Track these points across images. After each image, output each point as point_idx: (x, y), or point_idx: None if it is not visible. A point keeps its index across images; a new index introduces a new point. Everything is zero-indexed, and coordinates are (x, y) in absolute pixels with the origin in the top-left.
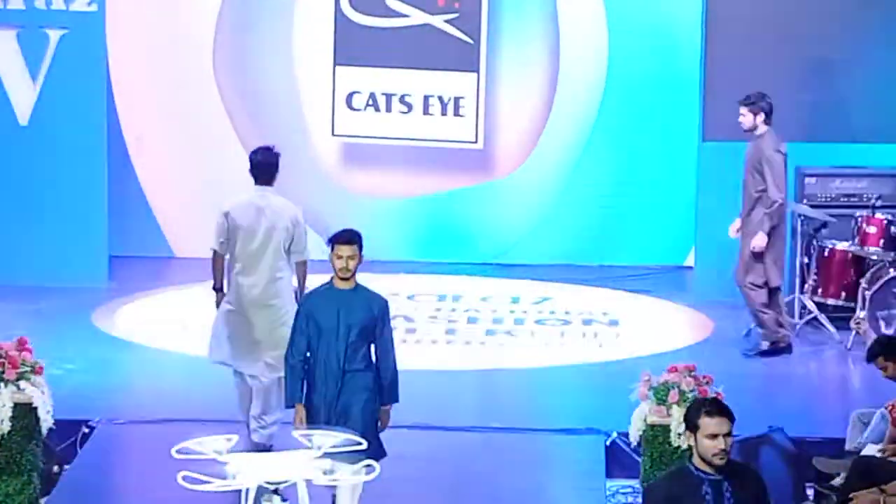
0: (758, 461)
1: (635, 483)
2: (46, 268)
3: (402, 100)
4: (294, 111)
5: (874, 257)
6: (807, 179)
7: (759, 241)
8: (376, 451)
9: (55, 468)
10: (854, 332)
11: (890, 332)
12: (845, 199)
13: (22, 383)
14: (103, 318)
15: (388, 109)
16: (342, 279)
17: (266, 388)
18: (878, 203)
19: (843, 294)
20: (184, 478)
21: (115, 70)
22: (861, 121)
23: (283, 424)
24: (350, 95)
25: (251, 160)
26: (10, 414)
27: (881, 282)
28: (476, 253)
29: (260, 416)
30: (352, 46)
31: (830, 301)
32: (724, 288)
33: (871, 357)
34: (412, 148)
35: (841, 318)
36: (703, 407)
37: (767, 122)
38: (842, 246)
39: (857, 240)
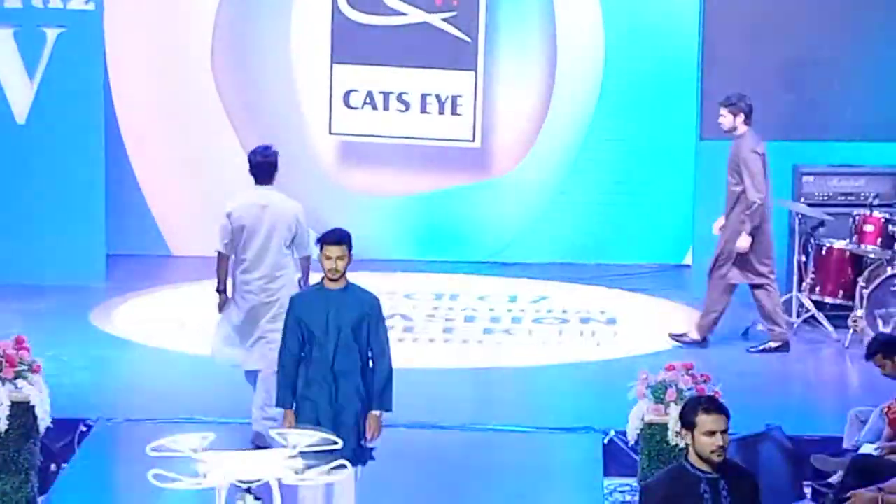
0: (756, 459)
1: (633, 481)
2: (44, 266)
3: (399, 98)
4: (292, 109)
5: (872, 255)
6: (804, 178)
7: (743, 242)
8: (365, 456)
9: (52, 467)
10: (852, 331)
11: (888, 330)
12: (843, 198)
13: (19, 382)
14: (101, 316)
15: (386, 108)
16: (332, 280)
17: (270, 380)
18: (876, 201)
19: (841, 292)
20: (154, 476)
21: (112, 69)
22: (858, 119)
23: None
24: (347, 94)
25: (250, 161)
26: (7, 413)
27: (879, 280)
28: (474, 251)
29: (262, 407)
30: (349, 45)
31: (828, 299)
32: None
33: (870, 355)
34: (409, 146)
35: (839, 317)
36: (699, 404)
37: (747, 122)
38: (839, 244)
39: (854, 238)
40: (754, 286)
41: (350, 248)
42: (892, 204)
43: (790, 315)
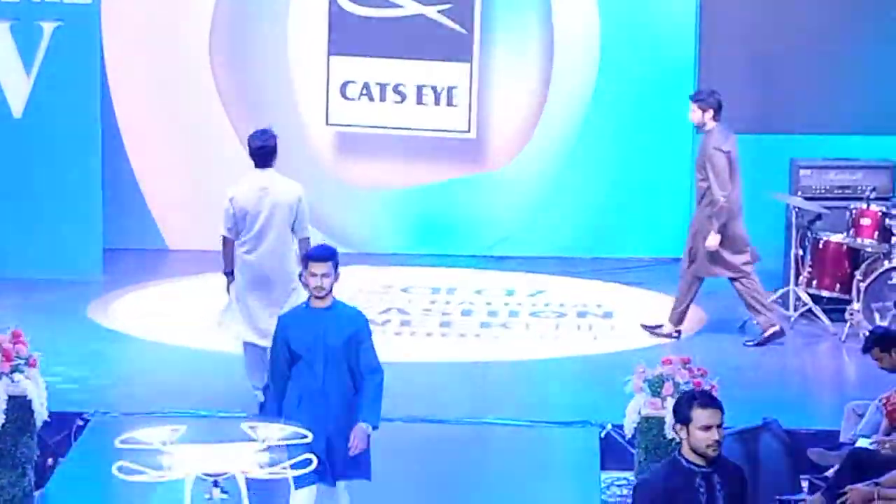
0: (753, 453)
1: (630, 475)
2: (41, 260)
3: (395, 89)
4: (288, 101)
5: (869, 249)
6: (801, 172)
7: (712, 241)
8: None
9: (49, 461)
10: (849, 324)
11: (885, 323)
12: (840, 191)
13: (16, 376)
14: (98, 310)
15: (382, 99)
16: (317, 298)
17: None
18: (873, 195)
19: (838, 286)
20: (119, 468)
21: (109, 62)
22: (855, 113)
23: None
24: (344, 85)
25: (249, 145)
26: (4, 407)
27: (876, 274)
28: (471, 245)
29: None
30: (346, 37)
31: (825, 293)
32: (718, 281)
33: (867, 348)
34: (406, 137)
35: (836, 310)
36: (694, 399)
37: (716, 118)
38: (836, 238)
39: (851, 232)
40: (732, 280)
41: (336, 266)
42: (888, 197)
43: (787, 309)
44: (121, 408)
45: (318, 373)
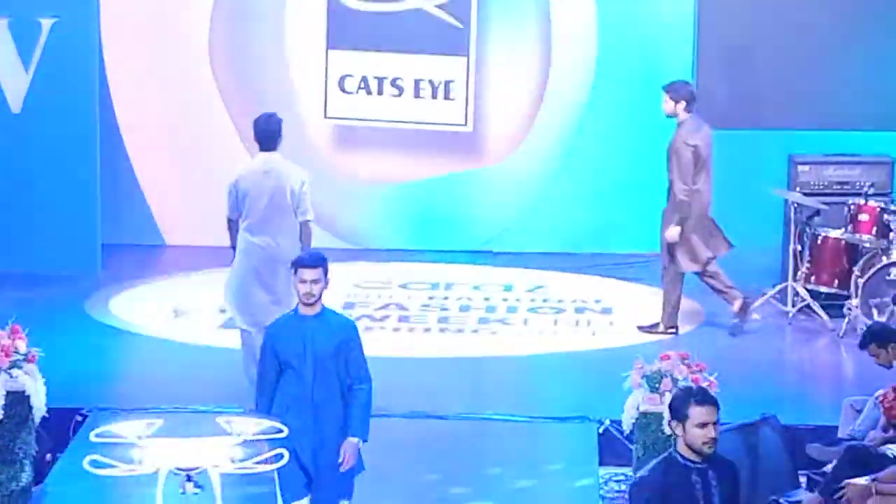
0: (752, 448)
1: (628, 471)
2: (39, 256)
3: (393, 83)
4: (287, 94)
5: (867, 245)
6: (800, 167)
7: (671, 233)
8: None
9: (48, 456)
10: (847, 320)
11: (883, 319)
12: (838, 187)
13: (15, 371)
14: (96, 306)
15: (380, 92)
16: (306, 304)
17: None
18: (871, 191)
19: (836, 282)
20: (90, 462)
21: (108, 57)
22: (854, 109)
23: None
24: (342, 78)
25: (254, 128)
26: (2, 402)
27: (874, 269)
28: (469, 240)
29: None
30: (344, 30)
31: (823, 289)
32: None
33: (865, 344)
34: (403, 130)
35: (834, 306)
36: (691, 396)
37: (688, 109)
38: (835, 234)
39: (849, 227)
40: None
41: (326, 272)
42: (887, 193)
43: (785, 304)
44: (119, 403)
45: (307, 380)
